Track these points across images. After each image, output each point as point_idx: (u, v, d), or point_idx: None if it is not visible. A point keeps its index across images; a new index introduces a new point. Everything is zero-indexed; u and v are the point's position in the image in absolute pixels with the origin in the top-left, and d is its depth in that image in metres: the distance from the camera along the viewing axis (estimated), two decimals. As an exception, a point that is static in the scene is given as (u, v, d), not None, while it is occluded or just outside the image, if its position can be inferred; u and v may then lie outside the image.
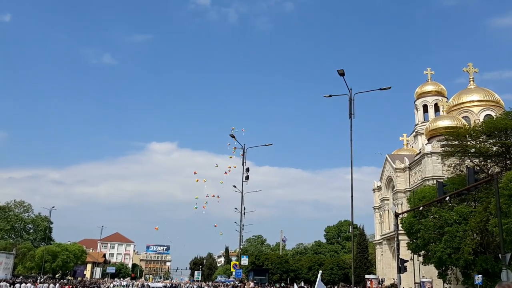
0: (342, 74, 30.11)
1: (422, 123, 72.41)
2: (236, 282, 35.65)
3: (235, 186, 44.73)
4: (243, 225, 60.57)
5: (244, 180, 42.75)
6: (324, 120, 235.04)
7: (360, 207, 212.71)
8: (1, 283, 47.81)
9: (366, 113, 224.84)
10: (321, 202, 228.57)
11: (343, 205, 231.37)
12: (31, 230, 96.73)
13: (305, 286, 41.74)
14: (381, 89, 32.09)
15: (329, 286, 49.01)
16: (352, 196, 28.58)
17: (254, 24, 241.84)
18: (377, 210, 71.61)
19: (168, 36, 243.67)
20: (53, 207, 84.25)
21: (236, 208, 45.83)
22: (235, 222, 46.23)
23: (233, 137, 42.13)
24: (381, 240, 67.93)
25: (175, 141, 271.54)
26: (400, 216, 43.39)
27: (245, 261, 40.98)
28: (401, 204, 58.38)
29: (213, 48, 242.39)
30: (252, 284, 26.89)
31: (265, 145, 45.44)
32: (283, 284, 42.22)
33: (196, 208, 48.13)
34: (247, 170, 42.80)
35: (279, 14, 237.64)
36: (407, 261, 28.11)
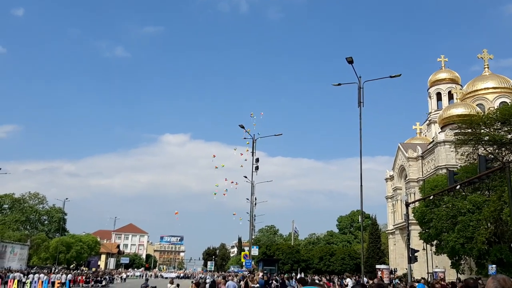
0: (351, 61, 29.56)
1: (435, 111, 71.31)
2: (246, 272, 35.61)
3: (245, 177, 44.49)
4: (254, 216, 60.65)
5: (254, 170, 42.52)
6: (336, 109, 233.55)
7: (373, 196, 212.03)
8: (16, 274, 48.39)
9: (379, 102, 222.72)
10: (335, 192, 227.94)
11: (356, 195, 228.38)
12: (46, 222, 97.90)
13: (317, 277, 41.49)
14: (391, 76, 31.45)
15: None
16: (361, 185, 28.14)
17: (266, 13, 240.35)
18: (389, 200, 70.95)
19: (180, 28, 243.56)
20: (66, 198, 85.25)
21: (247, 199, 45.53)
22: (247, 213, 45.85)
23: (243, 127, 41.71)
24: (394, 230, 67.36)
25: (188, 132, 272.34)
26: (412, 205, 42.86)
27: (255, 251, 40.88)
28: (414, 194, 57.66)
29: (224, 38, 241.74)
30: (261, 274, 26.68)
31: (275, 135, 45.05)
32: (293, 274, 41.97)
33: (215, 194, 47.79)
34: (257, 160, 42.49)
35: (290, 3, 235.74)
36: (418, 251, 27.65)
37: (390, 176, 71.68)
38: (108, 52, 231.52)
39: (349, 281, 16.65)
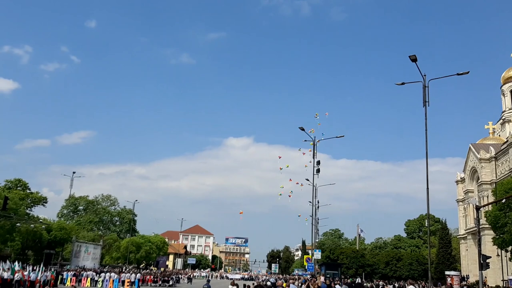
0: (414, 60, 28.50)
1: (509, 109, 67.36)
2: (309, 276, 35.28)
3: (307, 179, 44.10)
4: (318, 219, 60.09)
5: (315, 173, 42.11)
6: (404, 109, 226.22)
7: (443, 200, 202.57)
8: (89, 272, 50.97)
9: (449, 101, 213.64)
10: (403, 195, 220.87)
11: (426, 198, 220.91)
12: (118, 223, 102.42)
13: (381, 282, 40.30)
14: (458, 74, 29.98)
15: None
16: (427, 188, 27.05)
17: (328, 14, 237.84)
18: (460, 203, 67.71)
19: (242, 32, 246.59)
20: (136, 200, 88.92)
21: (310, 202, 45.05)
22: (310, 216, 45.30)
23: (303, 129, 41.45)
24: (466, 235, 64.17)
25: (251, 135, 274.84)
26: (484, 209, 40.59)
27: (318, 255, 40.40)
28: (487, 197, 54.57)
29: (287, 42, 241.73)
30: (322, 278, 26.30)
31: (337, 137, 44.14)
32: (358, 279, 40.92)
33: (280, 195, 47.60)
34: (318, 163, 42.08)
35: (353, 2, 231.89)
36: (490, 257, 26.08)
37: (461, 178, 68.41)
38: (174, 59, 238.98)
39: (412, 288, 16.03)
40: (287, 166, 48.21)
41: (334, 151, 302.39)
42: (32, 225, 57.91)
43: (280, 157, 55.93)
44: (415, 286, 20.90)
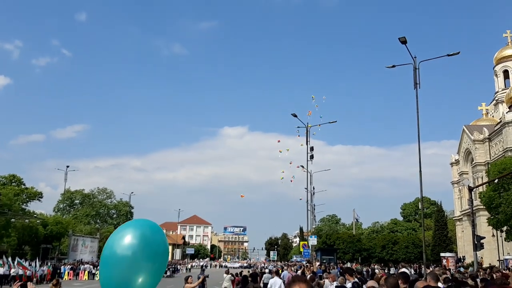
0: (404, 42, 28.29)
1: (502, 90, 67.23)
2: (305, 262, 35.34)
3: (302, 166, 43.95)
4: (314, 205, 60.11)
5: (308, 159, 42.02)
6: (396, 93, 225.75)
7: (439, 182, 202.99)
8: (86, 266, 51.00)
9: (442, 83, 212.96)
10: (399, 179, 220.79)
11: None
12: (114, 215, 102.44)
13: (377, 266, 40.45)
14: (448, 55, 29.91)
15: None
16: (420, 171, 27.04)
17: (319, 0, 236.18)
18: (455, 185, 67.89)
19: (234, 21, 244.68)
20: (132, 192, 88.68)
21: (306, 188, 44.96)
22: (306, 202, 45.19)
23: (295, 116, 41.27)
24: (461, 217, 64.47)
25: (246, 124, 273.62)
26: (477, 190, 40.67)
27: (313, 241, 40.46)
28: (481, 178, 54.69)
29: (279, 29, 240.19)
30: (317, 264, 26.31)
31: (329, 122, 43.95)
32: (354, 264, 41.02)
33: (282, 178, 47.13)
34: (311, 149, 41.96)
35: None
36: (484, 237, 26.12)
37: (455, 160, 68.55)
38: (166, 50, 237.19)
39: (405, 271, 15.95)
40: (288, 150, 47.82)
41: (329, 137, 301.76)
42: (27, 220, 57.69)
43: (279, 141, 55.79)
44: (407, 269, 20.85)
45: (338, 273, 18.81)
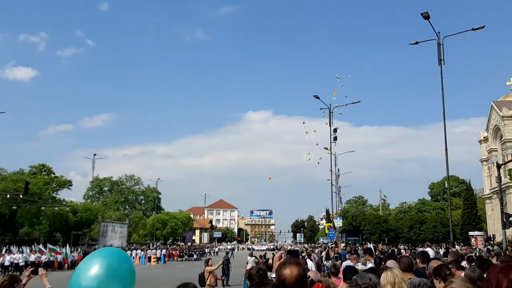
0: (427, 17, 27.59)
1: (533, 63, 65.04)
2: (330, 244, 35.31)
3: (326, 148, 43.55)
4: (339, 187, 59.76)
5: (332, 141, 41.67)
6: (423, 71, 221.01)
7: (468, 160, 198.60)
8: (116, 250, 52.13)
9: (470, 59, 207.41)
10: (428, 158, 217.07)
11: (450, 160, 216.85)
12: (143, 201, 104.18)
13: (402, 246, 40.04)
14: (473, 29, 29.04)
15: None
16: (446, 149, 26.52)
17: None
18: (484, 163, 66.35)
19: (255, 4, 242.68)
20: (158, 179, 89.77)
21: (331, 170, 44.67)
22: (331, 184, 44.92)
23: (318, 97, 40.83)
24: (491, 195, 63.09)
25: (270, 108, 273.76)
26: (506, 167, 39.66)
27: (339, 222, 40.33)
28: (511, 155, 53.29)
29: (300, 12, 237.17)
30: (343, 245, 26.20)
31: (353, 103, 43.47)
32: (369, 244, 40.50)
33: (309, 160, 46.90)
34: (335, 130, 41.61)
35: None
36: (513, 215, 25.47)
37: (484, 137, 66.91)
38: (188, 36, 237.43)
39: (429, 251, 15.69)
40: (315, 131, 47.28)
41: (355, 118, 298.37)
42: (56, 208, 59.18)
43: (304, 123, 55.17)
44: (432, 249, 20.55)
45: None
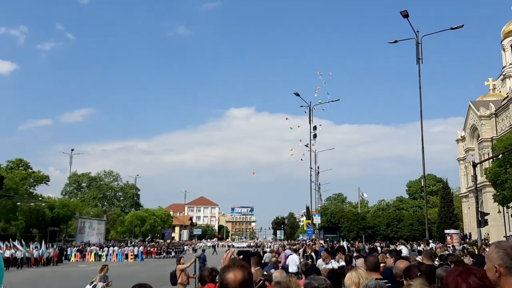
0: (406, 15, 27.71)
1: (510, 64, 66.07)
2: (308, 241, 35.36)
3: (306, 145, 43.61)
4: (319, 184, 59.95)
5: (312, 138, 41.74)
6: (404, 70, 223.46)
7: (446, 159, 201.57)
8: (92, 247, 51.45)
9: (449, 59, 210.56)
10: (406, 157, 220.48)
11: (428, 159, 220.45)
12: (121, 198, 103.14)
13: (378, 244, 40.34)
14: (452, 28, 29.29)
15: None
16: (422, 147, 26.71)
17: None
18: (461, 162, 67.26)
19: (236, 0, 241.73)
20: (137, 175, 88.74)
21: (311, 168, 44.80)
22: (312, 181, 45.00)
23: (298, 95, 40.85)
24: (467, 193, 64.00)
25: (252, 105, 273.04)
26: (481, 166, 40.16)
27: (317, 219, 40.44)
28: (488, 154, 54.00)
29: (282, 7, 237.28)
30: (321, 242, 26.23)
31: (332, 101, 43.53)
32: (343, 243, 40.65)
33: (292, 155, 46.97)
34: (315, 128, 41.67)
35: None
36: (488, 214, 25.84)
37: (461, 137, 67.79)
38: (171, 32, 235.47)
39: (403, 249, 15.71)
40: (299, 127, 47.41)
41: (336, 117, 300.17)
42: (32, 204, 58.10)
43: (287, 119, 55.33)
44: (406, 247, 20.65)
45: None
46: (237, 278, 2.43)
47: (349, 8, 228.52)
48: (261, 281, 2.86)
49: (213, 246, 71.63)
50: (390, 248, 22.04)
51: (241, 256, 2.89)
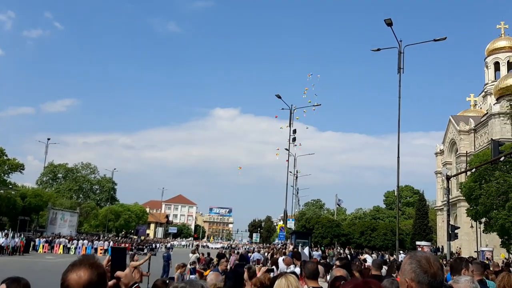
0: (389, 24, 27.47)
1: (492, 82, 66.78)
2: (279, 245, 35.08)
3: (287, 149, 43.44)
4: (298, 189, 59.76)
5: (291, 141, 41.53)
6: (388, 82, 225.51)
7: (424, 172, 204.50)
8: (61, 239, 50.33)
9: (434, 74, 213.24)
10: (387, 167, 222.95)
11: (407, 171, 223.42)
12: (98, 191, 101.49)
13: (339, 250, 40.25)
14: (435, 40, 29.15)
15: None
16: (398, 157, 26.45)
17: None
18: (439, 175, 67.73)
19: (229, 1, 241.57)
20: (114, 169, 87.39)
21: (290, 172, 44.73)
22: (291, 186, 44.87)
23: (280, 97, 40.58)
24: (442, 206, 64.45)
25: (238, 106, 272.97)
26: (456, 180, 40.29)
27: (291, 224, 40.21)
28: (465, 169, 54.50)
29: (272, 11, 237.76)
30: (291, 247, 25.87)
31: (314, 105, 43.43)
32: (305, 248, 40.66)
33: (278, 154, 46.85)
34: (294, 131, 41.46)
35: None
36: (458, 227, 25.81)
37: (440, 150, 68.36)
38: (160, 28, 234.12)
39: (367, 258, 15.43)
40: (287, 126, 47.37)
41: (320, 123, 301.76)
42: (1, 191, 56.67)
43: (276, 116, 55.49)
44: (371, 256, 20.46)
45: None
46: (81, 280, 1.92)
47: (335, 16, 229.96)
48: (136, 284, 2.36)
49: (166, 247, 69.65)
50: (359, 257, 21.83)
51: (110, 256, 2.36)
